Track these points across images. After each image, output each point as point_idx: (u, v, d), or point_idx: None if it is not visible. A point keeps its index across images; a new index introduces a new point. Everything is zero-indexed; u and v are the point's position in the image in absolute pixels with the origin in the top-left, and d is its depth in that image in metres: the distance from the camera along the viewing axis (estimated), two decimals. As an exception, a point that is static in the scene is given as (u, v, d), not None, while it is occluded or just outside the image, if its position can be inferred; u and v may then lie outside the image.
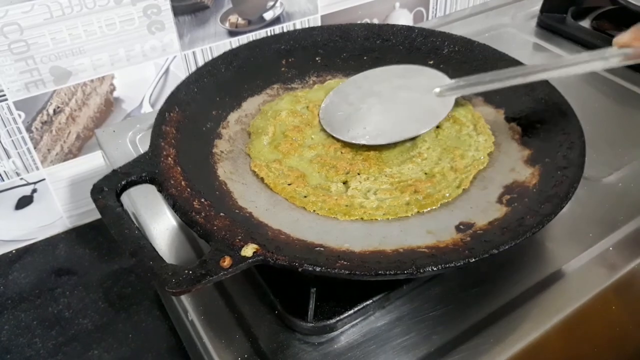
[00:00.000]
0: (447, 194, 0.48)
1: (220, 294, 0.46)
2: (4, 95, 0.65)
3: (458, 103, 0.58)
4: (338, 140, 0.54)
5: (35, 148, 0.70)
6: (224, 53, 0.60)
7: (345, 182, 0.50)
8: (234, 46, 0.63)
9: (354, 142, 0.53)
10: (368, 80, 0.59)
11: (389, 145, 0.53)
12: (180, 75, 0.74)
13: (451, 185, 0.49)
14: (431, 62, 0.63)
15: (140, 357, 0.60)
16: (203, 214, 0.41)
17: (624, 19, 0.79)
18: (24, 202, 0.73)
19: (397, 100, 0.57)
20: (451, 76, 0.61)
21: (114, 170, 0.45)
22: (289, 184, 0.49)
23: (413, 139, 0.54)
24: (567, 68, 0.49)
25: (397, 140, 0.53)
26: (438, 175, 0.50)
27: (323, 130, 0.56)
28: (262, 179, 0.50)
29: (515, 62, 0.59)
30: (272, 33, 0.77)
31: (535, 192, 0.45)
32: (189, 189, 0.43)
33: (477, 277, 0.46)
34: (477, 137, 0.53)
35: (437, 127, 0.55)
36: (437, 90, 0.56)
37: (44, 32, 0.64)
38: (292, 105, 0.58)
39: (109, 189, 0.43)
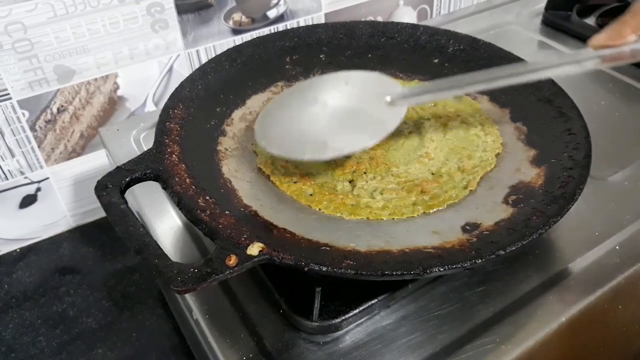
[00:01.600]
0: (454, 195, 0.48)
1: (225, 293, 0.46)
2: (8, 94, 0.65)
3: (465, 102, 0.58)
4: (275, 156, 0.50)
5: (39, 147, 0.70)
6: (228, 50, 0.60)
7: (351, 181, 0.50)
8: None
9: (291, 157, 0.49)
10: (312, 88, 0.54)
11: (396, 145, 0.53)
12: (183, 74, 0.74)
13: (458, 185, 0.48)
14: (436, 61, 0.63)
15: (144, 355, 0.60)
16: (208, 211, 0.41)
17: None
18: (28, 201, 0.73)
19: (343, 110, 0.51)
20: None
21: (118, 167, 0.44)
22: (294, 182, 0.49)
23: (421, 140, 0.52)
24: (536, 73, 0.47)
25: (339, 155, 0.49)
26: (445, 176, 0.49)
27: None
28: (267, 177, 0.50)
29: (519, 60, 0.59)
30: (276, 31, 0.77)
31: (541, 193, 0.45)
32: (193, 187, 0.43)
33: (483, 276, 0.46)
34: (485, 137, 0.53)
35: (445, 126, 0.55)
36: (388, 99, 0.51)
37: (48, 31, 0.63)
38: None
39: (113, 185, 0.43)
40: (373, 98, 0.51)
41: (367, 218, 0.46)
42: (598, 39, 0.44)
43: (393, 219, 0.46)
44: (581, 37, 0.78)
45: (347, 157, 0.52)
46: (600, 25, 0.80)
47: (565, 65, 0.45)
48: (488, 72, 0.49)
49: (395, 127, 0.49)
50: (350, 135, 0.49)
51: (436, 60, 0.62)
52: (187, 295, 0.46)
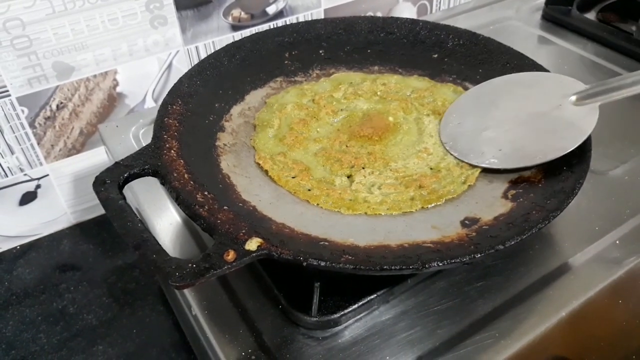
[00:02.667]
0: (452, 190, 0.47)
1: (223, 289, 0.46)
2: (7, 91, 0.65)
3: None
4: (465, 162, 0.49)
5: (38, 144, 0.70)
6: (227, 45, 0.60)
7: (349, 176, 0.49)
8: (236, 40, 0.63)
9: (484, 166, 0.48)
10: (488, 94, 0.53)
11: (395, 140, 0.53)
12: (183, 70, 0.74)
13: (456, 180, 0.48)
14: (435, 56, 0.62)
15: (144, 352, 0.60)
16: (206, 207, 0.40)
17: (630, 10, 0.79)
18: (27, 198, 0.73)
19: (527, 115, 0.49)
20: (456, 69, 0.61)
21: (116, 163, 0.44)
22: (293, 177, 0.49)
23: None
24: None
25: (538, 163, 0.47)
26: (444, 171, 0.49)
27: (329, 123, 0.56)
28: (266, 172, 0.50)
29: (519, 56, 0.58)
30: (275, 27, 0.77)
31: (540, 187, 0.45)
32: (192, 182, 0.43)
33: (482, 271, 0.46)
34: None
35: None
36: (573, 98, 0.48)
37: (47, 28, 0.63)
38: (298, 99, 0.58)
39: (112, 181, 0.43)
40: (556, 99, 0.49)
41: (365, 213, 0.46)
42: None
43: (391, 214, 0.46)
44: (581, 32, 0.78)
45: (350, 152, 0.51)
46: (601, 20, 0.79)
47: None
48: None
49: (593, 128, 0.46)
50: (545, 141, 0.48)
51: (435, 55, 0.62)
52: (186, 291, 0.46)
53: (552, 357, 0.45)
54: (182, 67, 0.74)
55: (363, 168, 0.50)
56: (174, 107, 0.51)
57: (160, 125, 0.48)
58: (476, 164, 0.49)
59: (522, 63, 0.57)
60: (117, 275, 0.69)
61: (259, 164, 0.51)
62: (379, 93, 0.59)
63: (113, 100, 0.73)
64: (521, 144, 0.48)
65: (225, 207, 0.41)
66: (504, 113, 0.51)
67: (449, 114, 0.54)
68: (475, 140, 0.50)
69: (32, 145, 0.70)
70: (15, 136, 0.68)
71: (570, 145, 0.46)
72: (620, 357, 0.54)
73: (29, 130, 0.68)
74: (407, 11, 0.91)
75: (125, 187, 0.44)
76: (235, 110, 0.56)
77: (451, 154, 0.51)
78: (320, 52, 0.64)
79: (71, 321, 0.64)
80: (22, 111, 0.67)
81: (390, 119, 0.55)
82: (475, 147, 0.50)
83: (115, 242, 0.74)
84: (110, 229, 0.76)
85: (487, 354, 0.40)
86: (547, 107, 0.49)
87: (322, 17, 0.82)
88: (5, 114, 0.66)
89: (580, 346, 0.49)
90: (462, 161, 0.50)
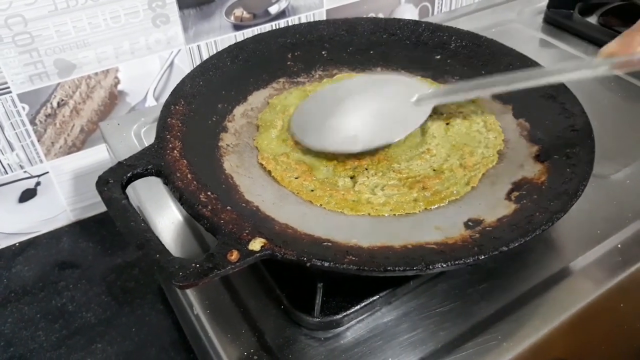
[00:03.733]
0: (455, 191, 0.47)
1: (225, 289, 0.46)
2: (8, 87, 0.64)
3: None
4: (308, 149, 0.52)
5: (39, 141, 0.70)
6: (230, 46, 0.60)
7: (352, 177, 0.49)
8: (239, 40, 0.63)
9: (324, 149, 0.52)
10: (342, 90, 0.57)
11: (398, 141, 0.53)
12: (184, 69, 0.74)
13: (460, 182, 0.48)
14: (438, 57, 0.62)
15: (143, 351, 0.60)
16: (210, 207, 0.40)
17: (632, 15, 0.79)
18: (27, 195, 0.73)
19: (372, 108, 0.55)
20: (459, 71, 0.61)
21: (119, 162, 0.44)
22: (296, 178, 0.49)
23: (426, 135, 0.54)
24: (553, 76, 0.49)
25: (368, 148, 0.51)
26: (447, 172, 0.49)
27: None
28: (269, 172, 0.50)
29: (522, 58, 0.58)
30: (278, 27, 0.77)
31: (544, 189, 0.45)
32: (195, 182, 0.43)
33: (485, 274, 0.46)
34: (487, 134, 0.53)
35: (447, 123, 0.55)
36: (414, 98, 0.54)
37: (49, 25, 0.63)
38: (301, 100, 0.58)
39: (115, 180, 0.43)
40: (400, 98, 0.54)
41: (369, 214, 0.46)
42: (608, 48, 0.46)
43: (394, 215, 0.46)
44: (583, 36, 0.78)
45: (353, 153, 0.52)
46: (602, 24, 0.80)
47: (581, 69, 0.47)
48: (507, 76, 0.52)
49: (421, 124, 0.53)
50: (379, 130, 0.52)
51: (438, 57, 0.62)
52: (187, 291, 0.46)
53: (553, 360, 0.46)
54: (183, 66, 0.74)
55: (366, 169, 0.50)
56: (177, 107, 0.51)
57: (163, 125, 0.48)
58: (314, 147, 0.52)
59: (524, 65, 0.57)
60: (116, 274, 0.69)
61: (262, 165, 0.51)
62: (381, 94, 0.59)
63: (114, 98, 0.72)
64: (362, 132, 0.52)
65: (228, 207, 0.41)
66: (354, 106, 0.55)
67: (303, 103, 0.57)
68: (319, 127, 0.54)
69: (32, 142, 0.69)
70: (16, 133, 0.68)
71: (397, 136, 0.52)
72: (621, 360, 0.54)
73: (30, 127, 0.68)
74: (408, 12, 0.91)
75: (128, 186, 0.44)
76: (238, 111, 0.56)
77: (299, 141, 0.53)
78: (323, 53, 0.64)
79: (70, 319, 0.64)
80: (23, 108, 0.67)
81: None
82: (319, 135, 0.53)
83: (115, 241, 0.74)
84: (109, 227, 0.76)
85: (489, 356, 0.40)
86: (391, 104, 0.55)
87: (324, 17, 0.82)
88: (5, 111, 0.66)
89: (582, 349, 0.49)
90: (307, 146, 0.52)
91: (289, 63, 0.62)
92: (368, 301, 0.43)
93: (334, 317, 0.42)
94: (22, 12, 0.61)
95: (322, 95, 0.58)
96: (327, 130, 0.53)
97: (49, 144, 0.71)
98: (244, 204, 0.44)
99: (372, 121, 0.53)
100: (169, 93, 0.52)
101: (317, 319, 0.42)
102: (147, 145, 0.46)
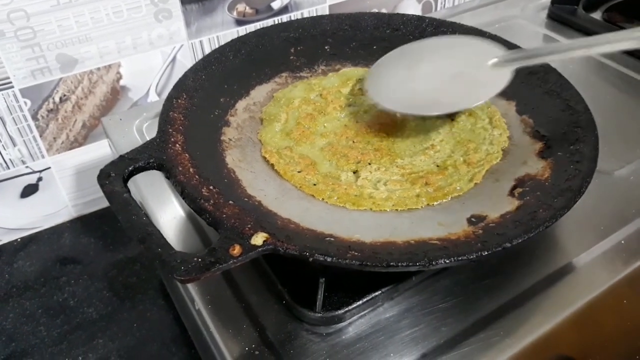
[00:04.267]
0: (459, 187, 0.47)
1: (227, 283, 0.46)
2: (10, 82, 0.64)
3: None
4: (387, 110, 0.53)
5: (41, 136, 0.70)
6: (232, 40, 0.60)
7: (355, 172, 0.49)
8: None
9: (404, 112, 0.52)
10: (416, 51, 0.57)
11: (402, 136, 0.53)
12: (187, 64, 0.74)
13: (463, 178, 0.48)
14: (441, 53, 0.62)
15: (145, 346, 0.60)
16: (212, 201, 0.40)
17: (636, 10, 0.78)
18: (29, 191, 0.73)
19: (450, 71, 0.53)
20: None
21: (121, 156, 0.44)
22: (298, 172, 0.49)
23: (452, 115, 0.54)
24: (621, 43, 0.46)
25: (449, 111, 0.52)
26: (450, 168, 0.49)
27: (336, 118, 0.55)
28: (272, 166, 0.50)
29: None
30: (281, 22, 0.76)
31: (548, 186, 0.45)
32: (197, 176, 0.43)
33: (487, 269, 0.46)
34: (492, 130, 0.53)
35: (452, 119, 0.55)
36: (492, 61, 0.52)
37: (51, 19, 0.63)
38: (306, 93, 0.58)
39: (116, 174, 0.43)
40: (477, 60, 0.53)
41: (370, 209, 0.46)
42: None
43: (396, 210, 0.46)
44: (587, 32, 0.78)
45: (357, 147, 0.52)
46: (606, 20, 0.79)
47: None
48: (587, 39, 0.49)
49: (502, 89, 0.51)
50: (458, 94, 0.52)
51: (441, 52, 0.62)
52: (189, 285, 0.46)
53: (556, 356, 0.45)
54: (186, 61, 0.74)
55: (369, 164, 0.50)
56: (179, 101, 0.51)
57: (165, 119, 0.48)
58: (394, 110, 0.53)
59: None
60: (117, 269, 0.69)
61: (265, 158, 0.51)
62: (387, 89, 0.59)
63: (116, 93, 0.72)
64: (438, 95, 0.52)
65: (230, 202, 0.41)
66: (427, 69, 0.54)
67: (377, 66, 0.57)
68: (396, 90, 0.53)
69: (34, 137, 0.69)
70: (18, 128, 0.67)
71: (477, 100, 0.51)
72: (625, 356, 0.54)
73: (32, 123, 0.68)
74: (411, 8, 0.91)
75: (130, 180, 0.44)
76: (241, 105, 0.56)
77: (373, 101, 0.54)
78: (326, 47, 0.63)
79: (71, 314, 0.63)
80: (25, 103, 0.66)
81: (398, 115, 0.55)
82: (395, 96, 0.53)
83: (117, 236, 0.74)
84: (111, 223, 0.76)
85: (492, 352, 0.40)
86: (467, 67, 0.53)
87: (327, 12, 0.82)
88: (8, 106, 0.65)
89: (585, 345, 0.49)
90: (383, 107, 0.53)
91: (291, 57, 0.62)
92: (370, 297, 0.43)
93: (336, 313, 0.42)
94: (25, 7, 0.61)
95: (396, 57, 0.57)
96: (406, 92, 0.52)
97: (50, 139, 0.70)
98: (246, 199, 0.44)
99: (451, 84, 0.52)
100: (172, 86, 0.52)
101: (319, 314, 0.42)
102: (149, 139, 0.46)
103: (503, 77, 0.51)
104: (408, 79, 0.54)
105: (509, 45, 0.56)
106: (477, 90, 0.51)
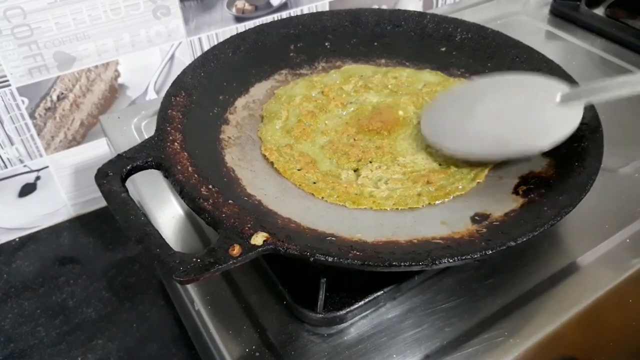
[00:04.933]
0: (461, 187, 0.47)
1: (227, 284, 0.45)
2: (7, 80, 0.64)
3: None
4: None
5: (38, 135, 0.69)
6: (231, 37, 0.59)
7: (356, 170, 0.49)
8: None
9: (459, 153, 0.49)
10: (476, 90, 0.53)
11: (404, 135, 0.52)
12: (185, 62, 0.73)
13: (466, 177, 0.47)
14: (443, 49, 0.61)
15: (144, 346, 0.60)
16: (211, 200, 0.40)
17: (639, 7, 0.78)
18: (27, 190, 0.72)
19: (515, 110, 0.49)
20: (464, 63, 0.60)
21: (119, 155, 0.44)
22: (298, 170, 0.48)
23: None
24: None
25: (513, 156, 0.48)
26: (453, 167, 0.49)
27: (337, 116, 0.55)
28: (271, 164, 0.49)
29: (528, 50, 0.57)
30: (280, 18, 0.76)
31: (552, 183, 0.44)
32: (196, 175, 0.42)
33: (491, 269, 0.45)
34: None
35: None
36: (558, 98, 0.47)
37: (48, 17, 0.62)
38: (307, 91, 0.57)
39: (114, 173, 0.42)
40: (543, 98, 0.48)
41: (371, 208, 0.45)
42: None
43: (397, 209, 0.45)
44: (590, 28, 0.77)
45: (358, 145, 0.51)
46: (609, 16, 0.78)
47: None
48: None
49: (575, 128, 0.46)
50: (525, 135, 0.48)
51: (443, 49, 0.61)
52: (188, 286, 0.45)
53: (561, 357, 0.45)
54: (184, 58, 0.74)
55: (370, 162, 0.49)
56: (178, 99, 0.50)
57: (163, 117, 0.48)
58: (452, 152, 0.49)
59: (531, 57, 0.57)
60: (117, 269, 0.68)
61: (264, 156, 0.50)
62: (389, 86, 0.58)
63: (114, 91, 0.72)
64: (501, 137, 0.48)
65: (230, 201, 0.40)
66: (487, 108, 0.50)
67: (432, 105, 0.54)
68: (454, 130, 0.50)
69: (32, 136, 0.69)
70: (15, 127, 0.67)
71: (543, 143, 0.46)
72: (630, 356, 0.53)
73: (29, 121, 0.67)
74: (412, 4, 0.90)
75: (128, 179, 0.43)
76: (240, 102, 0.56)
77: (429, 142, 0.51)
78: (326, 44, 0.63)
79: (70, 315, 0.63)
80: (23, 102, 0.66)
81: (400, 113, 0.54)
82: (453, 136, 0.50)
83: (116, 236, 0.73)
84: (110, 222, 0.75)
85: (496, 352, 0.40)
86: (531, 105, 0.49)
87: (327, 9, 0.81)
88: (5, 105, 0.65)
89: (589, 345, 0.49)
90: (439, 149, 0.50)
91: (291, 54, 0.61)
92: (372, 297, 0.42)
93: (337, 313, 0.41)
94: (21, 4, 0.60)
95: (455, 96, 0.54)
96: (469, 133, 0.49)
97: (48, 137, 0.70)
98: (246, 198, 0.44)
99: (517, 124, 0.48)
100: (171, 84, 0.52)
101: (320, 315, 0.41)
102: (147, 138, 0.46)
103: (573, 117, 0.46)
104: (470, 117, 0.50)
105: (570, 80, 0.53)
106: (544, 131, 0.47)
